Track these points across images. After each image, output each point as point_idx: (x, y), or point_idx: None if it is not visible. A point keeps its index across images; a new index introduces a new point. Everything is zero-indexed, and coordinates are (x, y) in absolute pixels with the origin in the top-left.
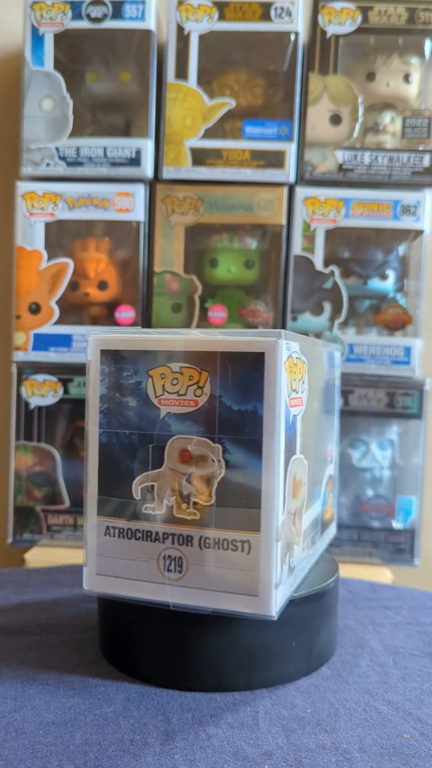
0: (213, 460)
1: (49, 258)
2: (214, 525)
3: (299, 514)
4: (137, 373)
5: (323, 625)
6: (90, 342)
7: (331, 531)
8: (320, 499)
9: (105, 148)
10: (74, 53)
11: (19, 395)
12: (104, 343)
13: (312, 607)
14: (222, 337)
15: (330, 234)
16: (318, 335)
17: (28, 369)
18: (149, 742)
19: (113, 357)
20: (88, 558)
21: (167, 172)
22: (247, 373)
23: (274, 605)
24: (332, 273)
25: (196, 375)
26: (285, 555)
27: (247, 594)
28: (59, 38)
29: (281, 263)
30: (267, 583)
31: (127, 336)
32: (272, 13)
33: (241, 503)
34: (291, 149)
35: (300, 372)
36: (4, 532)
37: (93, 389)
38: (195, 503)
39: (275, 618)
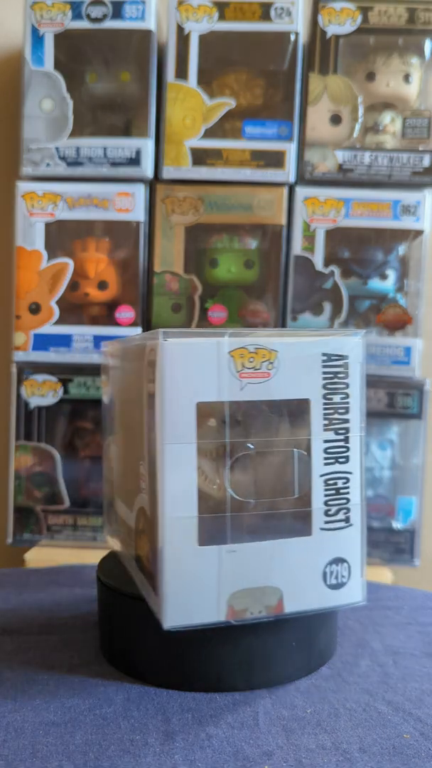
0: None
1: (49, 258)
2: None
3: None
4: None
5: (323, 625)
6: None
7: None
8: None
9: (105, 148)
10: (74, 53)
11: (19, 395)
12: None
13: None
14: None
15: (330, 234)
16: None
17: (28, 369)
18: (149, 742)
19: None
20: None
21: (167, 172)
22: None
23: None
24: (332, 273)
25: None
26: None
27: None
28: (59, 38)
29: (281, 263)
30: None
31: None
32: (272, 13)
33: None
34: (291, 149)
35: None
36: (4, 532)
37: None
38: None
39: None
